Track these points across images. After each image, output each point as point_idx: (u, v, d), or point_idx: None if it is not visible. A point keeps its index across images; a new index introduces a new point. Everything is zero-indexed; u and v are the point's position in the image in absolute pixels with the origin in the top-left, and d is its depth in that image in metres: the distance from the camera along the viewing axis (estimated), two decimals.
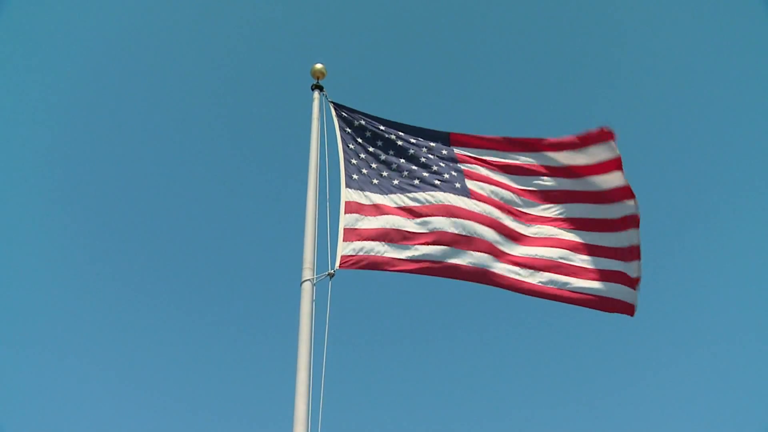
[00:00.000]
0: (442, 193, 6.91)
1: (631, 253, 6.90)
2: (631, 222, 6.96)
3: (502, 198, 7.07)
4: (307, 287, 5.94)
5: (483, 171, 7.21)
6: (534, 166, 7.24)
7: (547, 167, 7.22)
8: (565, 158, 7.17)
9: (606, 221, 7.02)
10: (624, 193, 6.99)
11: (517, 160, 7.26)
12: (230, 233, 21.33)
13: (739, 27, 19.90)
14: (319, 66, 7.61)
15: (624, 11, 22.03)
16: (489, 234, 6.76)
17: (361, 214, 6.54)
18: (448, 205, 6.80)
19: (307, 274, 6.02)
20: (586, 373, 19.20)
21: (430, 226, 6.65)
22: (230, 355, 19.28)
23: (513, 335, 20.27)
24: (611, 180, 7.02)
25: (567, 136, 7.16)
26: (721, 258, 19.92)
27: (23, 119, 19.02)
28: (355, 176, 6.85)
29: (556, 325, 20.09)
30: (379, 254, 6.35)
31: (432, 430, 17.40)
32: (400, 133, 7.30)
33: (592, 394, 18.67)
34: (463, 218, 6.76)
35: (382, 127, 7.30)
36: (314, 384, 5.49)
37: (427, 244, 6.55)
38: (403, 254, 6.43)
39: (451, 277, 6.58)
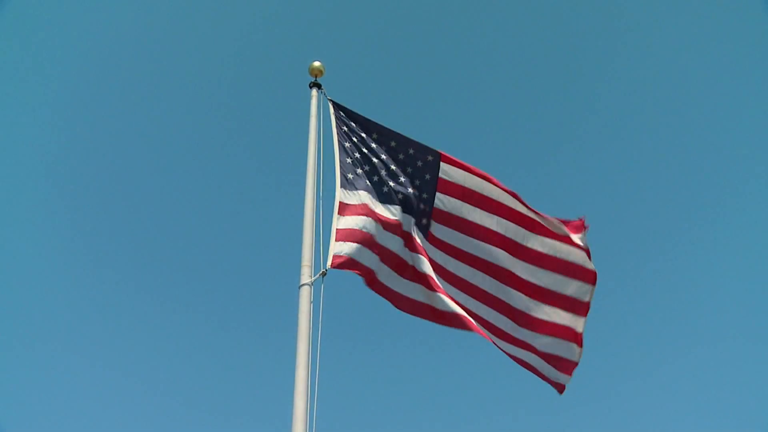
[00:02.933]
0: (408, 217, 6.85)
1: (570, 334, 6.97)
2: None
3: (462, 245, 7.00)
4: (305, 286, 5.93)
5: (456, 205, 7.05)
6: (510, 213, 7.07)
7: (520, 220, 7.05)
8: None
9: (557, 295, 7.02)
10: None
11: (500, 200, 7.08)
12: (228, 232, 21.38)
13: (739, 27, 19.90)
14: (317, 64, 7.58)
15: (624, 10, 22.03)
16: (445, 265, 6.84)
17: (352, 215, 6.50)
18: (416, 243, 6.77)
19: (306, 272, 6.02)
20: (586, 372, 19.18)
21: (406, 256, 6.74)
22: (229, 354, 19.32)
23: None
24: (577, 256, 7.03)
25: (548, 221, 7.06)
26: (721, 258, 19.93)
27: (23, 119, 19.05)
28: (350, 175, 6.80)
29: None
30: (366, 264, 6.37)
31: (430, 429, 17.40)
32: (392, 145, 7.15)
33: (592, 393, 18.68)
34: (421, 255, 6.76)
35: (374, 135, 7.19)
36: (313, 382, 5.49)
37: (405, 277, 6.68)
38: (384, 278, 6.52)
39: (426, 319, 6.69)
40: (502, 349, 6.96)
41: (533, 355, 7.02)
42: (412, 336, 19.92)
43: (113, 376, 17.48)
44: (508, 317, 6.99)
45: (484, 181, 7.02)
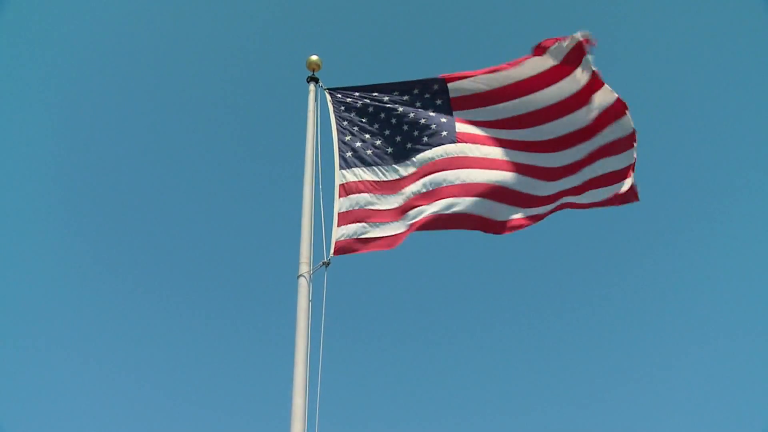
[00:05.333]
0: (431, 149, 6.88)
1: (620, 145, 6.77)
2: (609, 116, 6.82)
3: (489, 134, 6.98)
4: (302, 282, 5.86)
5: (475, 112, 7.09)
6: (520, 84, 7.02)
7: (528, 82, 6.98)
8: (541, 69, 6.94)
9: (584, 129, 6.89)
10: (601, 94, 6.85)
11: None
12: (226, 227, 21.32)
13: (739, 27, 19.93)
14: (314, 58, 7.55)
15: (623, 10, 22.08)
16: (479, 176, 6.73)
17: (353, 195, 6.57)
18: (437, 160, 6.79)
19: (303, 268, 5.95)
20: (588, 371, 19.19)
21: (422, 188, 6.67)
22: (227, 350, 19.26)
23: (514, 329, 20.27)
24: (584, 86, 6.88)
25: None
26: (720, 257, 19.93)
27: (23, 119, 19.06)
28: (348, 154, 6.89)
29: (558, 321, 20.10)
30: (366, 234, 6.34)
31: (431, 425, 17.34)
32: (394, 94, 7.23)
33: (596, 392, 18.66)
34: (453, 168, 6.75)
35: (375, 93, 7.26)
36: (312, 378, 5.41)
37: (410, 208, 6.57)
38: (387, 230, 6.44)
39: (435, 229, 6.64)
40: (538, 216, 6.82)
41: (586, 191, 6.80)
42: (416, 330, 19.90)
43: (109, 372, 17.46)
44: (545, 179, 6.88)
45: (491, 74, 7.04)
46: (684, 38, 21.56)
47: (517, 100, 7.00)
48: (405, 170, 6.82)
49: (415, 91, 7.22)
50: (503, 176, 6.80)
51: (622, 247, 21.21)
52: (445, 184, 6.71)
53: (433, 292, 20.28)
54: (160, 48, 21.35)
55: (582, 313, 20.17)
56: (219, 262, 20.69)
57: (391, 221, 6.50)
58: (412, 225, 6.52)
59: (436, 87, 7.19)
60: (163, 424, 16.78)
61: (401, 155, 6.92)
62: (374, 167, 6.82)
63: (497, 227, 6.74)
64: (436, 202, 6.63)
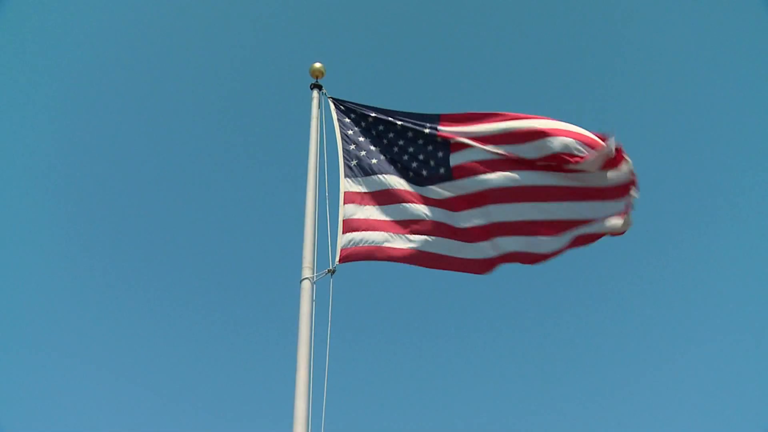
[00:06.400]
0: (425, 187, 6.76)
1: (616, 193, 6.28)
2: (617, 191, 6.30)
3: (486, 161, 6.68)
4: (306, 286, 5.90)
5: (470, 154, 6.77)
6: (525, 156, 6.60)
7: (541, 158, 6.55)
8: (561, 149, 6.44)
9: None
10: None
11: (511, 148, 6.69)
12: (229, 232, 21.35)
13: (739, 27, 19.94)
14: (318, 65, 7.62)
15: (623, 10, 22.08)
16: (472, 218, 6.54)
17: (359, 204, 6.62)
18: (433, 199, 6.68)
19: (307, 273, 5.99)
20: (589, 372, 19.21)
21: (422, 215, 6.59)
22: (230, 354, 19.26)
23: (518, 332, 20.26)
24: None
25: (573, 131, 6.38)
26: (721, 258, 19.95)
27: (23, 119, 19.10)
28: (353, 163, 6.95)
29: (559, 323, 20.13)
30: (374, 244, 6.38)
31: (437, 430, 17.37)
32: (390, 119, 7.18)
33: (596, 392, 18.68)
34: (447, 209, 6.64)
35: (378, 115, 7.24)
36: (315, 383, 5.46)
37: (418, 233, 6.49)
38: (396, 243, 6.44)
39: (439, 269, 6.54)
40: (541, 256, 6.38)
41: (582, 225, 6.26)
42: (419, 333, 19.89)
43: (112, 374, 17.43)
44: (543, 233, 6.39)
45: (485, 124, 6.75)
46: (683, 37, 21.60)
47: (509, 146, 6.61)
48: (408, 185, 6.79)
49: (414, 124, 7.04)
50: (504, 209, 6.52)
51: (622, 246, 21.25)
52: (451, 223, 6.57)
53: (437, 296, 20.29)
54: (163, 53, 21.39)
55: (583, 314, 20.21)
56: (224, 266, 20.72)
57: (396, 233, 6.49)
58: (414, 252, 6.44)
59: (431, 124, 6.95)
60: (165, 429, 16.83)
61: (404, 168, 6.91)
62: (377, 176, 6.84)
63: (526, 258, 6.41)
64: (442, 239, 6.52)
